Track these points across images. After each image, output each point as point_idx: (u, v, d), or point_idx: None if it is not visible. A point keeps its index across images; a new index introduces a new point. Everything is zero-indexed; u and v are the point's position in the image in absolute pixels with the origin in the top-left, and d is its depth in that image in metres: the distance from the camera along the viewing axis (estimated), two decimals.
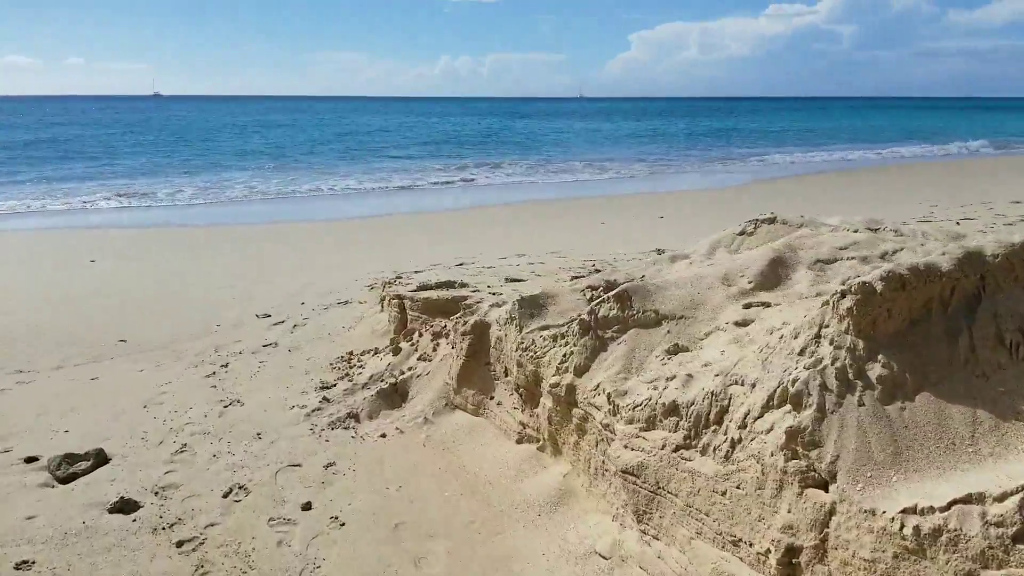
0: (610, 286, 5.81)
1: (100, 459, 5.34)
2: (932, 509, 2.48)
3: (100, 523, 4.53)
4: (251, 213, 19.80)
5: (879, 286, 3.09)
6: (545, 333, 5.00)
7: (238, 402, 6.42)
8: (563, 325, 5.01)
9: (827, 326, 3.11)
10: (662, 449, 3.38)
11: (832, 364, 2.98)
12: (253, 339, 8.23)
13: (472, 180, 27.84)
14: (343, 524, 4.48)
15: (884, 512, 2.58)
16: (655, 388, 3.73)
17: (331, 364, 7.28)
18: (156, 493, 4.91)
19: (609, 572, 3.65)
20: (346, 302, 9.54)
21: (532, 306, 5.42)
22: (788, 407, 2.94)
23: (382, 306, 8.56)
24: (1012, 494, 2.41)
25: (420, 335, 6.86)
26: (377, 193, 24.18)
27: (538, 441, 5.02)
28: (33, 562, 4.14)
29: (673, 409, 3.42)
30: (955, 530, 2.41)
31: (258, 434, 5.76)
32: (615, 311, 4.66)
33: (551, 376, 4.67)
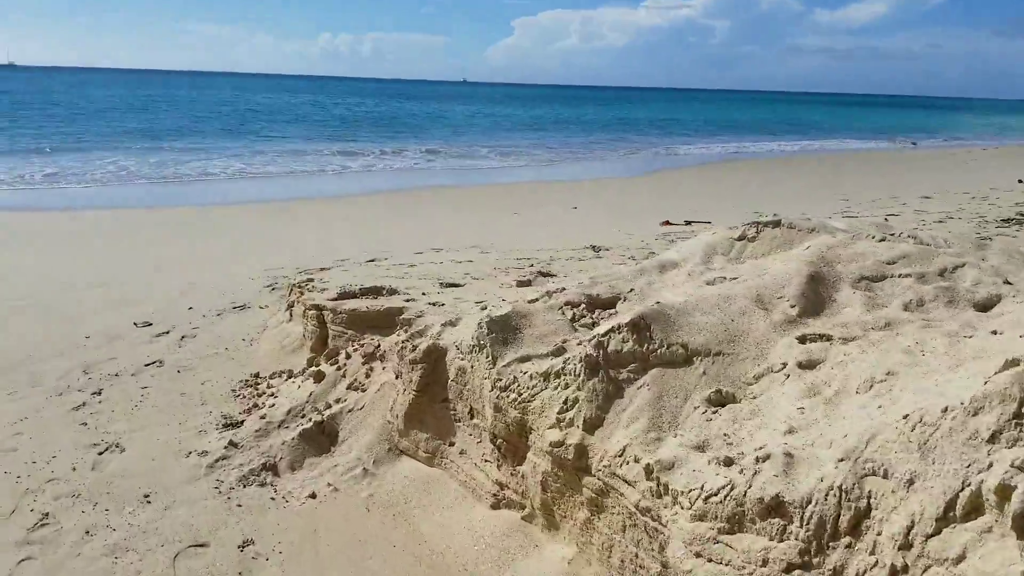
0: (593, 302, 4.78)
1: None
2: None
3: None
4: (123, 197, 17.59)
5: None
6: (530, 368, 3.90)
7: (117, 446, 5.00)
8: (551, 356, 3.94)
9: None
10: (763, 567, 2.37)
11: None
12: (132, 356, 6.71)
13: (370, 164, 26.21)
14: None
15: None
16: (726, 465, 2.71)
17: (233, 391, 5.92)
18: None
19: None
20: (243, 306, 8.10)
21: (503, 329, 4.32)
22: (986, 522, 1.99)
23: (290, 314, 7.22)
24: None
25: (348, 356, 5.61)
26: (267, 177, 22.14)
27: (522, 507, 3.93)
28: None
29: (776, 507, 2.42)
30: None
31: (146, 496, 4.40)
32: (630, 344, 3.62)
33: (548, 429, 3.58)
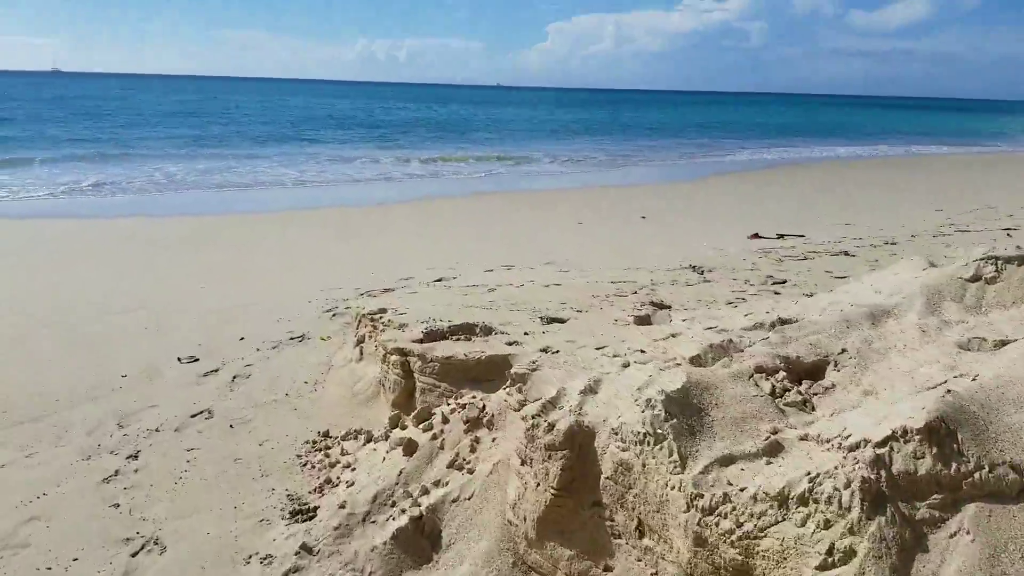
0: (793, 368, 3.55)
1: None
2: None
3: None
4: (162, 205, 16.68)
5: None
6: (745, 478, 2.68)
7: (156, 543, 3.87)
8: (764, 456, 2.71)
9: None
10: None
11: None
12: (175, 402, 5.60)
13: (418, 170, 25.12)
14: None
15: None
16: None
17: (299, 456, 4.78)
18: None
19: None
20: (302, 338, 6.98)
21: (684, 410, 3.10)
22: None
23: (360, 351, 6.08)
24: None
25: (445, 420, 4.42)
26: (318, 184, 21.00)
27: None
28: None
29: None
30: None
31: None
32: (928, 463, 2.37)
33: None
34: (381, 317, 5.95)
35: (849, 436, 2.61)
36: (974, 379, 2.73)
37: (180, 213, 14.96)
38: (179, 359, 6.44)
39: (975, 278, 3.87)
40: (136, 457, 4.77)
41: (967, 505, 2.31)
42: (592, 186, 21.02)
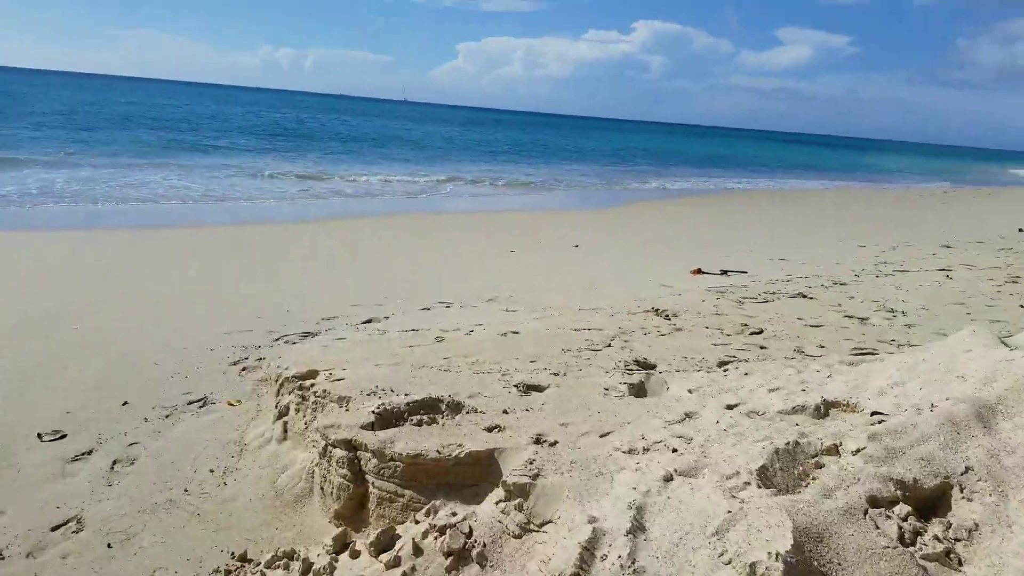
0: (911, 496, 2.56)
1: None
2: None
3: None
4: (31, 219, 14.63)
5: None
6: None
7: None
8: None
9: None
10: None
11: None
12: (30, 506, 4.14)
13: (330, 189, 23.49)
14: None
15: None
16: None
17: None
18: None
19: None
20: (203, 401, 5.58)
21: None
22: None
23: (283, 427, 4.76)
24: None
25: (417, 551, 3.18)
26: (216, 199, 18.93)
27: None
28: None
29: None
30: None
31: None
32: None
33: None
34: (312, 385, 4.64)
35: None
36: None
37: (50, 228, 13.01)
38: (39, 435, 4.93)
39: None
40: None
41: None
42: (517, 209, 20.07)
